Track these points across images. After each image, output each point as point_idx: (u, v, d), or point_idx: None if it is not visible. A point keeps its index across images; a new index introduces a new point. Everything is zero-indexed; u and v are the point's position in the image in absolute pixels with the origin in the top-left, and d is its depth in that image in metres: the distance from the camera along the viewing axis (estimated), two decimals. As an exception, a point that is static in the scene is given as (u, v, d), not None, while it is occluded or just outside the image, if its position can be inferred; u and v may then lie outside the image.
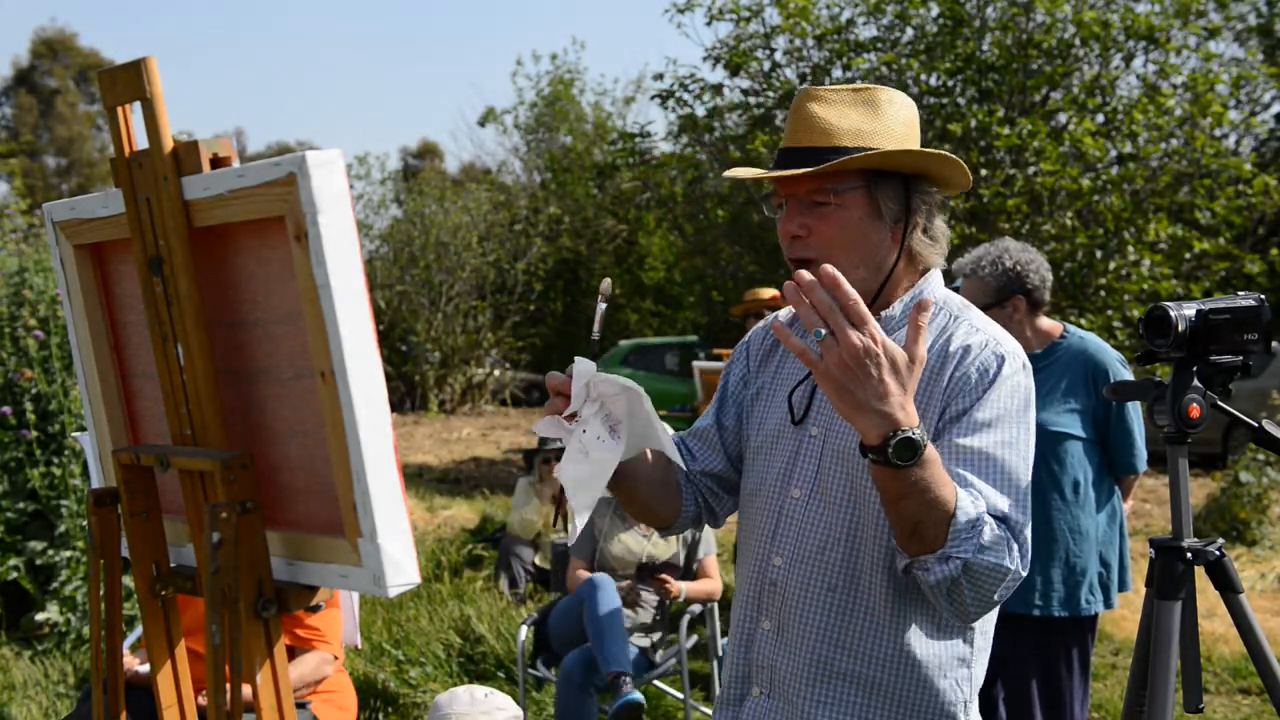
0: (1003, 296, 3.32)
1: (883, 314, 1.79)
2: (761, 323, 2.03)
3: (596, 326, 1.76)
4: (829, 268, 1.46)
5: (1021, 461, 1.68)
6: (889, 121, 1.76)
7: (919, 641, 1.72)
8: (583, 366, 1.67)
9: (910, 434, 1.47)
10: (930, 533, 1.55)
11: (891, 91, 1.79)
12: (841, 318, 1.45)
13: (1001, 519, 1.62)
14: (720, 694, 1.89)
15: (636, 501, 1.91)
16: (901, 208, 1.76)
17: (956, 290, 3.70)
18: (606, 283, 1.75)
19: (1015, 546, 1.61)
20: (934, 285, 1.84)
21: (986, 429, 1.66)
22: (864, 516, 1.72)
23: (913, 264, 1.82)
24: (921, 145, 1.82)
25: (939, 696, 1.73)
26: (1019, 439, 1.68)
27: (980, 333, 1.75)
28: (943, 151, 1.76)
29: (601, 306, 1.74)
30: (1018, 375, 1.71)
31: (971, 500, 1.58)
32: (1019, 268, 3.32)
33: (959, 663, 1.75)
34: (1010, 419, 1.68)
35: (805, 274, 1.46)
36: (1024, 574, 1.63)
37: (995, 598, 1.62)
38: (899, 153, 1.73)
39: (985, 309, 3.32)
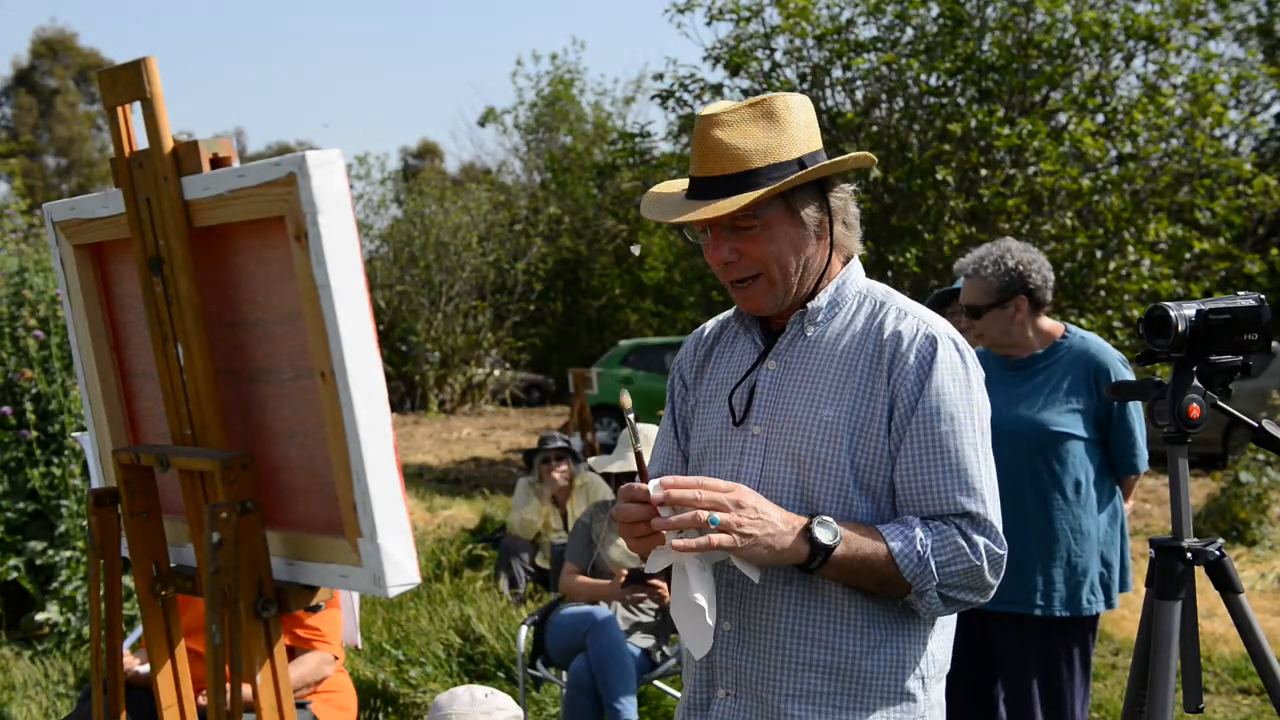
0: (1005, 296, 3.32)
1: (809, 305, 1.85)
2: (691, 337, 2.06)
3: (634, 438, 1.73)
4: (668, 480, 1.63)
5: (971, 448, 1.76)
6: (792, 130, 1.81)
7: (878, 623, 1.77)
8: (659, 493, 1.65)
9: (814, 522, 1.66)
10: (894, 582, 1.71)
11: (786, 97, 1.84)
12: (709, 498, 1.61)
13: (964, 515, 1.73)
14: (684, 699, 1.91)
15: None
16: (821, 210, 1.83)
17: (957, 292, 3.72)
18: (626, 398, 1.75)
19: (978, 541, 1.72)
20: (855, 275, 1.90)
21: (935, 420, 1.74)
22: (814, 509, 1.76)
23: (836, 254, 1.89)
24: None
25: (901, 675, 1.78)
26: (966, 424, 1.76)
27: (910, 316, 1.82)
28: (841, 158, 1.82)
29: (630, 417, 1.74)
30: (952, 355, 1.79)
31: (901, 535, 1.70)
32: (1021, 267, 3.32)
33: (918, 642, 1.80)
34: (955, 403, 1.76)
35: (656, 494, 1.62)
36: (1002, 551, 1.75)
37: (991, 582, 1.75)
38: (807, 173, 1.78)
39: (987, 309, 3.32)
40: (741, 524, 1.61)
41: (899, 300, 1.87)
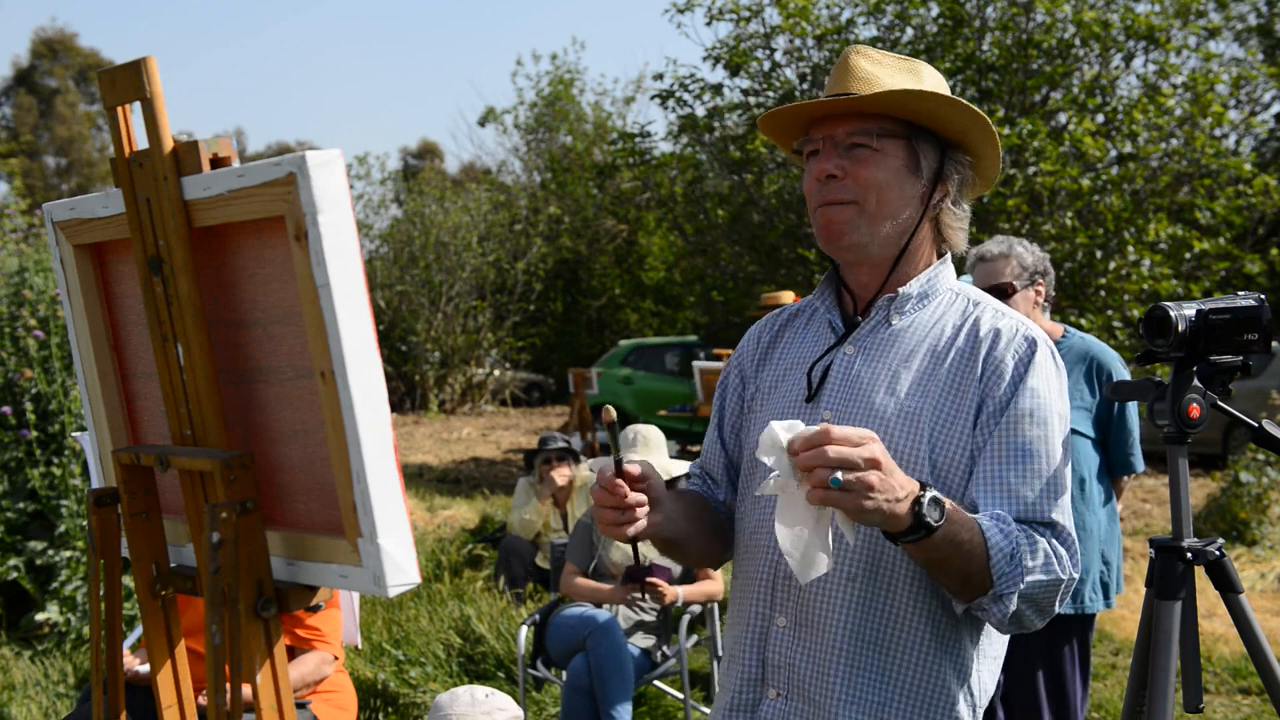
0: (1032, 279, 3.35)
1: (900, 290, 1.77)
2: (755, 326, 1.99)
3: (616, 448, 1.69)
4: (796, 432, 1.44)
5: (1060, 455, 1.67)
6: (929, 84, 1.76)
7: (941, 635, 1.69)
8: (785, 438, 1.51)
9: (925, 497, 1.48)
10: (978, 579, 1.57)
11: (932, 69, 1.80)
12: (838, 455, 1.42)
13: (1049, 525, 1.63)
14: (728, 699, 1.80)
15: (703, 559, 1.90)
16: (936, 169, 1.76)
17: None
18: (610, 411, 1.67)
19: (1064, 553, 1.62)
20: (949, 273, 1.82)
21: (1028, 423, 1.66)
22: None
23: (934, 240, 1.81)
24: None
25: (954, 695, 1.70)
26: (1056, 432, 1.68)
27: (1007, 317, 1.75)
28: (985, 116, 1.74)
29: (613, 429, 1.67)
30: (1049, 361, 1.71)
31: (999, 530, 1.58)
32: (1039, 253, 3.39)
33: (972, 663, 1.72)
34: (1048, 409, 1.68)
35: (781, 437, 1.45)
36: (1078, 574, 1.65)
37: (1057, 607, 1.64)
38: (947, 99, 1.70)
39: (1019, 289, 3.32)
40: (872, 486, 1.42)
41: (994, 302, 1.79)
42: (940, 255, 1.82)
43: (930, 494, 1.49)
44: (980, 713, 1.74)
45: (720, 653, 4.67)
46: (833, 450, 1.41)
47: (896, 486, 1.45)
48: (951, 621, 1.69)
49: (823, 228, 1.75)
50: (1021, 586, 1.57)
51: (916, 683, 1.68)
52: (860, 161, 1.71)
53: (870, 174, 1.71)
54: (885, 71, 1.74)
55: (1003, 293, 3.33)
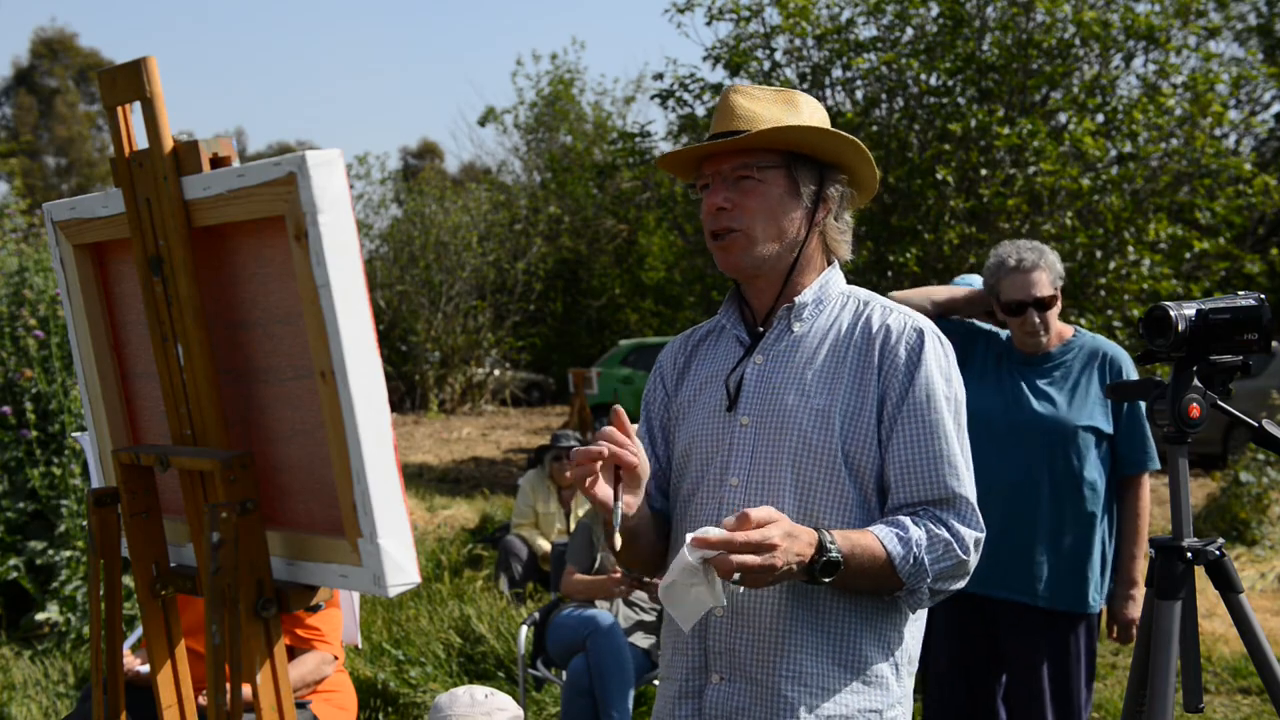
0: (1059, 285, 3.35)
1: (796, 300, 1.93)
2: (669, 345, 2.12)
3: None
4: (701, 534, 1.60)
5: (955, 434, 1.84)
6: (805, 118, 1.91)
7: (863, 609, 1.84)
8: (695, 555, 1.64)
9: (820, 560, 1.67)
10: (887, 583, 1.77)
11: (808, 96, 1.96)
12: (739, 562, 1.59)
13: (948, 500, 1.79)
14: (675, 688, 1.92)
15: (652, 560, 2.01)
16: (817, 193, 1.92)
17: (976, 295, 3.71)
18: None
19: (962, 532, 1.79)
20: (838, 278, 2.00)
21: (925, 408, 1.82)
22: (812, 498, 1.83)
23: (823, 252, 1.98)
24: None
25: (880, 661, 1.85)
26: (950, 412, 1.84)
27: (896, 312, 1.91)
28: (854, 138, 1.89)
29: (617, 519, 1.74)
30: (938, 348, 1.88)
31: (897, 538, 1.75)
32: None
33: (896, 630, 1.88)
34: (940, 394, 1.84)
35: (692, 558, 1.60)
36: (982, 533, 1.83)
37: (971, 569, 1.83)
38: (815, 129, 1.87)
39: (1056, 303, 3.31)
40: (775, 565, 1.61)
41: (882, 299, 1.96)
42: (830, 264, 1.99)
43: (825, 558, 1.67)
44: (907, 676, 1.90)
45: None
46: (735, 559, 1.58)
47: (795, 551, 1.64)
48: (876, 598, 1.84)
49: (718, 256, 1.94)
50: (928, 580, 1.77)
51: (850, 654, 1.83)
52: (746, 193, 1.89)
53: (755, 203, 1.89)
54: (763, 106, 1.91)
55: (1044, 305, 3.28)
